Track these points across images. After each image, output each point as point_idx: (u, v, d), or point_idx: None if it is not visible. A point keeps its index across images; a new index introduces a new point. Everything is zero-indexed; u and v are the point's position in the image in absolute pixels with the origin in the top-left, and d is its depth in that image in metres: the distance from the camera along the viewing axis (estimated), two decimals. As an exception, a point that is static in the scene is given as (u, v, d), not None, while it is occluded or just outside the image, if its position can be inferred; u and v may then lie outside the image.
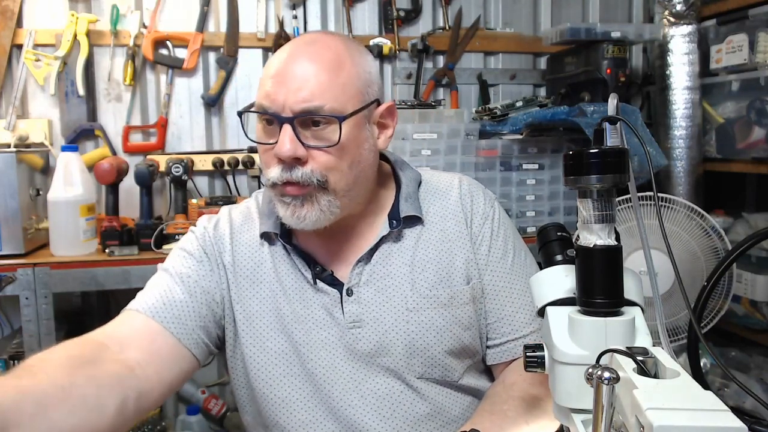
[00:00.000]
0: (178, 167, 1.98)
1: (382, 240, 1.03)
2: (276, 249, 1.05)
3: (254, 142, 0.97)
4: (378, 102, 1.01)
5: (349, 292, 1.01)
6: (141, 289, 1.03)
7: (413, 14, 2.41)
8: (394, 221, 1.04)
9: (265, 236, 1.06)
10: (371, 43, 2.32)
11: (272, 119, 0.93)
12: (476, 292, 1.05)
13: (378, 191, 1.07)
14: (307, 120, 0.92)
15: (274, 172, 0.94)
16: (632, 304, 0.71)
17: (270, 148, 0.94)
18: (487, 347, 1.07)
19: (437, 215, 1.07)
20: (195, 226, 1.10)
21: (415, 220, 1.05)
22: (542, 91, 2.54)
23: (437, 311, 1.02)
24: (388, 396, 1.00)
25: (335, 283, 1.02)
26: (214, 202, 2.09)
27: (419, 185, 1.10)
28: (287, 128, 0.91)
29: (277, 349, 1.01)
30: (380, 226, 1.05)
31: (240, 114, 1.00)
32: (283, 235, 1.03)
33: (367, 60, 1.00)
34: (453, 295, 1.03)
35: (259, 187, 2.23)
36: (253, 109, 0.96)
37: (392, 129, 1.04)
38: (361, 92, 0.96)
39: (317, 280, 1.02)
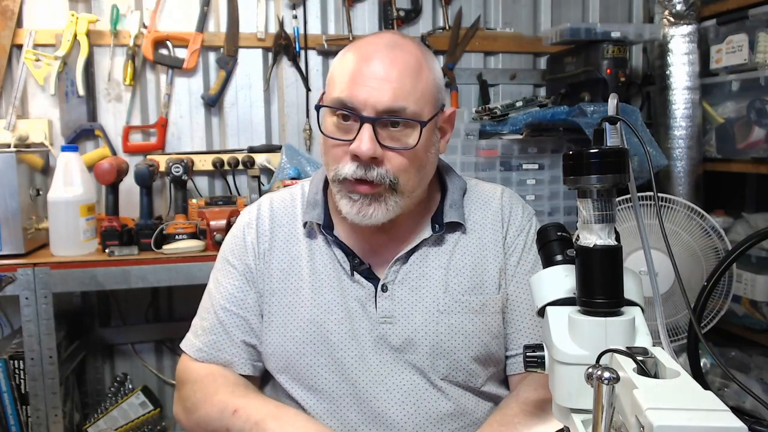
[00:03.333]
0: (178, 167, 1.98)
1: (423, 242, 1.06)
2: (315, 240, 1.08)
3: (328, 137, 0.98)
4: (443, 107, 1.04)
5: (384, 288, 1.04)
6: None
7: (413, 14, 2.42)
8: (437, 225, 1.07)
9: (307, 225, 1.09)
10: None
11: (348, 115, 0.95)
12: (504, 301, 1.07)
13: (425, 194, 1.10)
14: (386, 121, 0.94)
15: (348, 168, 0.95)
16: (632, 304, 0.71)
17: (343, 144, 0.96)
18: (505, 357, 1.09)
19: (477, 223, 1.10)
20: (236, 223, 1.15)
21: (456, 226, 1.08)
22: (542, 91, 2.54)
23: (467, 317, 1.04)
24: (413, 392, 1.02)
25: (371, 278, 1.05)
26: (214, 202, 2.10)
27: (464, 193, 1.13)
28: (368, 127, 0.93)
29: (307, 338, 1.04)
30: (423, 228, 1.07)
31: (318, 108, 1.00)
32: (326, 227, 1.07)
33: (438, 67, 1.04)
34: (485, 302, 1.05)
35: (260, 188, 2.24)
36: (331, 104, 0.97)
37: (450, 134, 1.08)
38: (435, 98, 1.00)
39: (355, 272, 1.04)
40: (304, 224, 1.09)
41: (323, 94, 1.04)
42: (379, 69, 0.94)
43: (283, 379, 1.06)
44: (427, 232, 1.06)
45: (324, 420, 1.02)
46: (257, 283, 1.08)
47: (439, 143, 1.05)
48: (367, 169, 0.95)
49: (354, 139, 0.94)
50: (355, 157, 0.94)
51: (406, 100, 0.93)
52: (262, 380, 1.13)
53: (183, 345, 1.13)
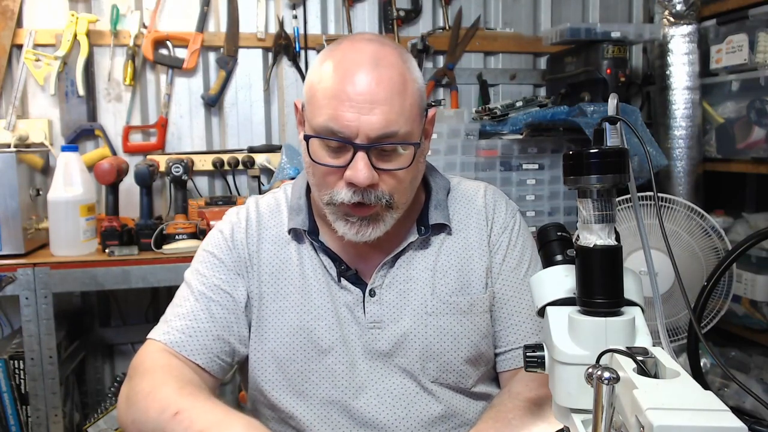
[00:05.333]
0: (178, 167, 1.98)
1: (409, 245, 1.05)
2: (303, 245, 1.06)
3: (319, 164, 0.94)
4: (426, 111, 1.02)
5: (372, 293, 1.03)
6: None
7: (413, 14, 2.42)
8: (423, 228, 1.06)
9: (293, 232, 1.07)
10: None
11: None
12: (492, 299, 1.07)
13: None
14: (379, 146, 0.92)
15: (344, 195, 0.93)
16: (632, 304, 0.71)
17: (336, 171, 0.94)
18: (495, 354, 1.08)
19: (461, 223, 1.09)
20: (222, 222, 1.11)
21: (441, 227, 1.07)
22: (542, 91, 2.54)
23: (456, 318, 1.03)
24: (403, 395, 1.01)
25: (359, 283, 1.04)
26: (214, 202, 2.10)
27: (448, 192, 1.12)
28: (362, 155, 0.90)
29: (297, 344, 1.03)
30: (408, 231, 1.06)
31: (308, 138, 0.95)
32: (311, 232, 1.05)
33: (417, 68, 0.99)
34: (472, 302, 1.04)
35: (260, 188, 2.24)
36: (320, 133, 0.93)
37: (432, 133, 1.06)
38: (421, 108, 0.97)
39: (342, 278, 1.03)
40: (289, 231, 1.06)
41: (303, 107, 1.00)
42: (365, 90, 0.90)
43: (270, 388, 1.03)
44: (413, 236, 1.05)
45: (314, 426, 1.01)
46: (248, 280, 1.05)
47: (425, 146, 1.03)
48: (364, 194, 0.93)
49: (347, 165, 0.92)
50: (351, 184, 0.92)
51: (397, 123, 0.90)
52: (256, 382, 1.07)
53: (150, 334, 1.03)
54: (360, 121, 0.89)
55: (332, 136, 0.91)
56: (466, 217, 1.09)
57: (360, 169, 0.90)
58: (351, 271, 1.04)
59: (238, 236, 1.07)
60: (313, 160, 0.95)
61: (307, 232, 1.05)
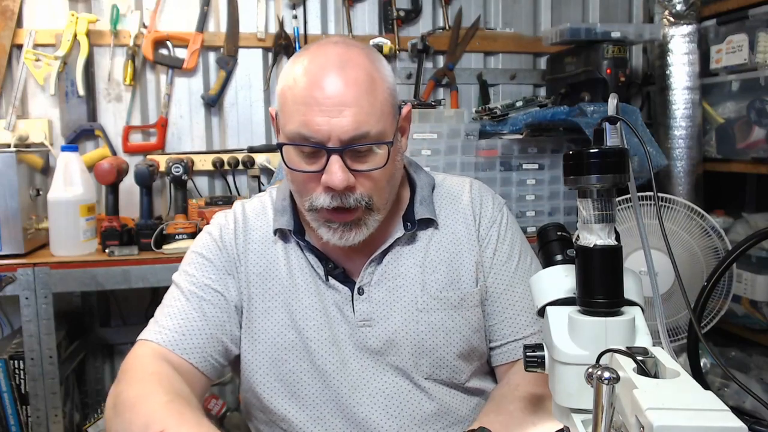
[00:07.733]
0: (178, 167, 1.98)
1: (396, 241, 1.05)
2: (289, 245, 1.07)
3: (294, 170, 0.95)
4: (400, 108, 1.02)
5: (360, 291, 1.03)
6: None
7: (413, 14, 2.42)
8: (409, 223, 1.06)
9: (279, 233, 1.07)
10: (371, 43, 2.32)
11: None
12: (483, 294, 1.07)
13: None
14: (352, 148, 0.92)
15: (323, 200, 0.94)
16: (632, 304, 0.71)
17: (313, 176, 0.94)
18: (489, 348, 1.09)
19: (449, 218, 1.09)
20: (210, 225, 1.12)
21: (428, 223, 1.07)
22: (542, 91, 2.54)
23: (447, 313, 1.03)
24: (396, 394, 1.01)
25: (347, 281, 1.04)
26: (214, 202, 2.09)
27: (433, 189, 1.12)
28: (336, 158, 0.91)
29: (288, 344, 1.03)
30: (394, 227, 1.06)
31: (281, 146, 0.96)
32: (296, 232, 1.05)
33: (387, 67, 0.99)
34: (463, 297, 1.05)
35: (259, 188, 2.24)
36: (293, 140, 0.93)
37: (409, 130, 1.07)
38: (392, 105, 0.97)
39: (329, 277, 1.03)
40: (275, 232, 1.07)
41: (277, 115, 1.00)
42: (333, 93, 0.90)
43: (263, 389, 1.03)
44: (399, 231, 1.05)
45: (307, 428, 1.01)
46: (238, 281, 1.05)
47: (401, 144, 1.03)
48: (342, 198, 0.93)
49: (322, 169, 0.92)
50: (329, 188, 0.92)
51: (368, 123, 0.91)
52: (249, 384, 1.07)
53: (141, 335, 1.03)
54: (330, 124, 0.90)
55: (304, 141, 0.92)
56: (453, 212, 1.10)
57: (335, 172, 0.90)
58: (338, 269, 1.04)
59: (227, 237, 1.08)
60: (289, 167, 0.95)
61: (293, 232, 1.05)
